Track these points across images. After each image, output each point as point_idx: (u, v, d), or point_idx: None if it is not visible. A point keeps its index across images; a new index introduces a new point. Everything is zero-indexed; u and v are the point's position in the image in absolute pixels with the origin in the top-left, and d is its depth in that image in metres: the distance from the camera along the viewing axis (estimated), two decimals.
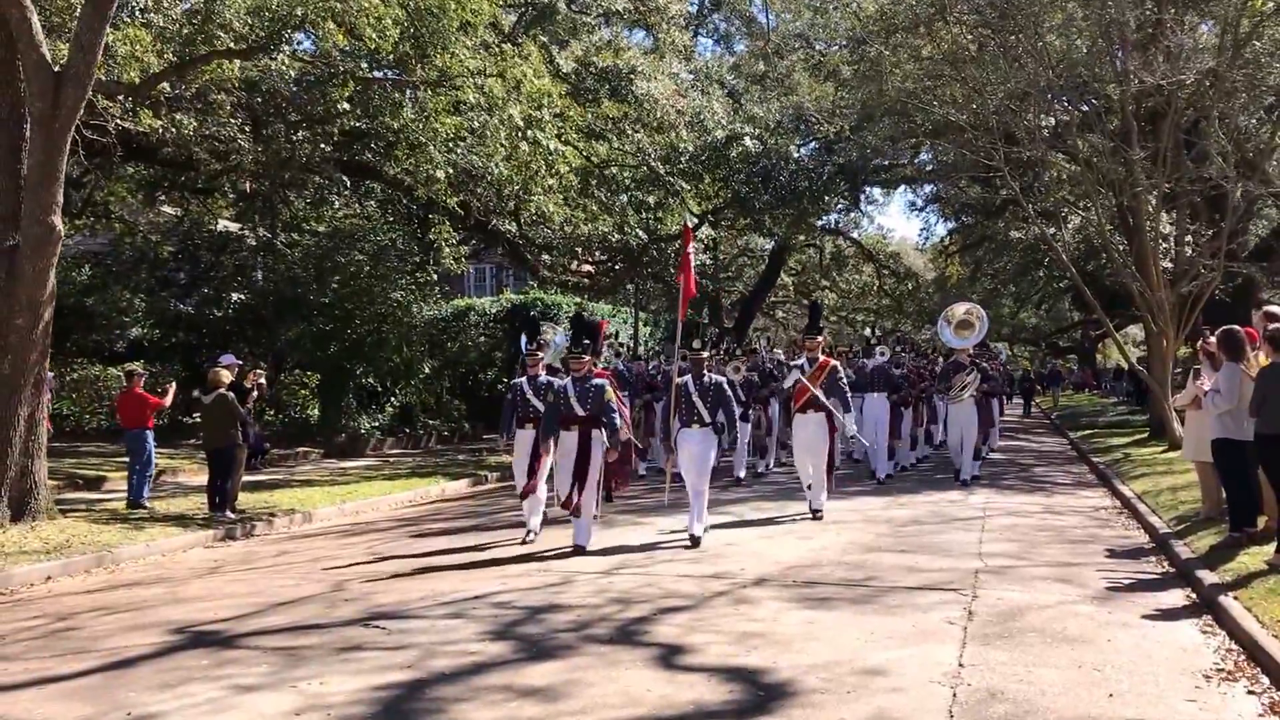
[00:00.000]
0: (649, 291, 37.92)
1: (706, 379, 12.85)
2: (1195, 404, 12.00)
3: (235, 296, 28.57)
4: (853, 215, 43.74)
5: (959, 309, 19.97)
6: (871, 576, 10.15)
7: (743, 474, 18.94)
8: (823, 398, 14.14)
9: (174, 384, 18.07)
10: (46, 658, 7.79)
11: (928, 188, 41.60)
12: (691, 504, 12.45)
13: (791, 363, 16.78)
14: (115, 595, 10.19)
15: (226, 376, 15.53)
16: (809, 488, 14.42)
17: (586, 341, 12.96)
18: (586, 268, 34.09)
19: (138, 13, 17.87)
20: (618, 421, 12.00)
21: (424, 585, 10.13)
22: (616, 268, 33.47)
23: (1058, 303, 51.28)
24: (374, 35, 17.47)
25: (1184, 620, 8.41)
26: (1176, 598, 9.25)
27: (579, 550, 11.74)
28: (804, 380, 14.29)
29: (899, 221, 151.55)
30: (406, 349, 28.01)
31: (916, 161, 36.69)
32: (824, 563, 10.98)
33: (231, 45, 17.67)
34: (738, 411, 16.64)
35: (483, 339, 32.36)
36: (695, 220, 34.05)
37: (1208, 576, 9.42)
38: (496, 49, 20.70)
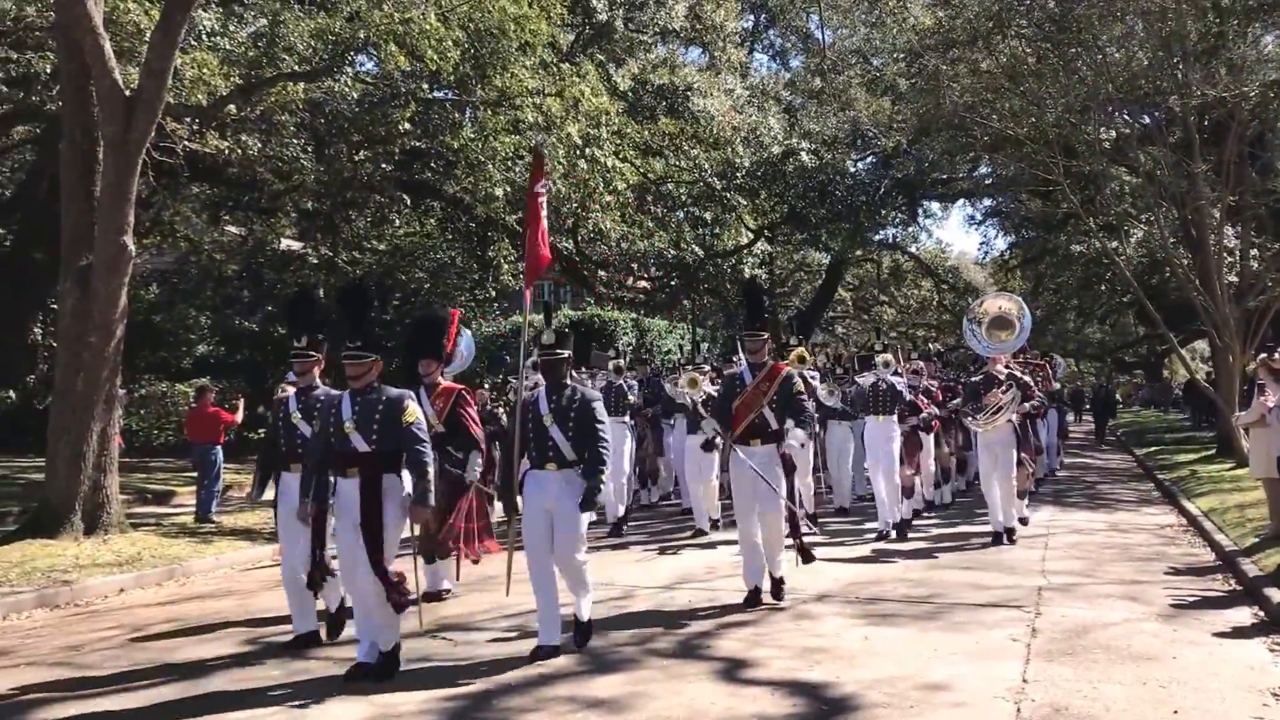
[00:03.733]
0: (706, 307, 37.94)
1: (571, 394, 8.25)
2: (1261, 421, 11.88)
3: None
4: (911, 229, 43.47)
5: (991, 304, 14.50)
6: (935, 593, 10.13)
7: (622, 511, 14.92)
8: (773, 420, 9.70)
9: (243, 400, 18.33)
10: (123, 668, 7.95)
11: (987, 201, 41.25)
12: (545, 602, 8.05)
13: (726, 369, 12.82)
14: (187, 607, 10.37)
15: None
16: (756, 549, 9.81)
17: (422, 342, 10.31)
18: (643, 284, 34.20)
19: (205, 37, 18.21)
20: (427, 460, 7.58)
21: (489, 598, 10.22)
22: (673, 283, 33.54)
23: (1122, 318, 50.73)
24: (435, 57, 17.72)
25: (1251, 638, 8.33)
26: (1244, 615, 9.15)
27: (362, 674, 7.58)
28: (744, 396, 9.78)
29: (958, 236, 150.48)
30: (480, 366, 28.19)
31: (975, 175, 36.44)
32: (886, 579, 10.97)
33: (295, 68, 17.99)
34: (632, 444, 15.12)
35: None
36: (751, 235, 34.08)
37: (1275, 594, 9.32)
38: (555, 68, 20.89)
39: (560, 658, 7.84)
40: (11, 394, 23.78)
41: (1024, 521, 14.35)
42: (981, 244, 56.80)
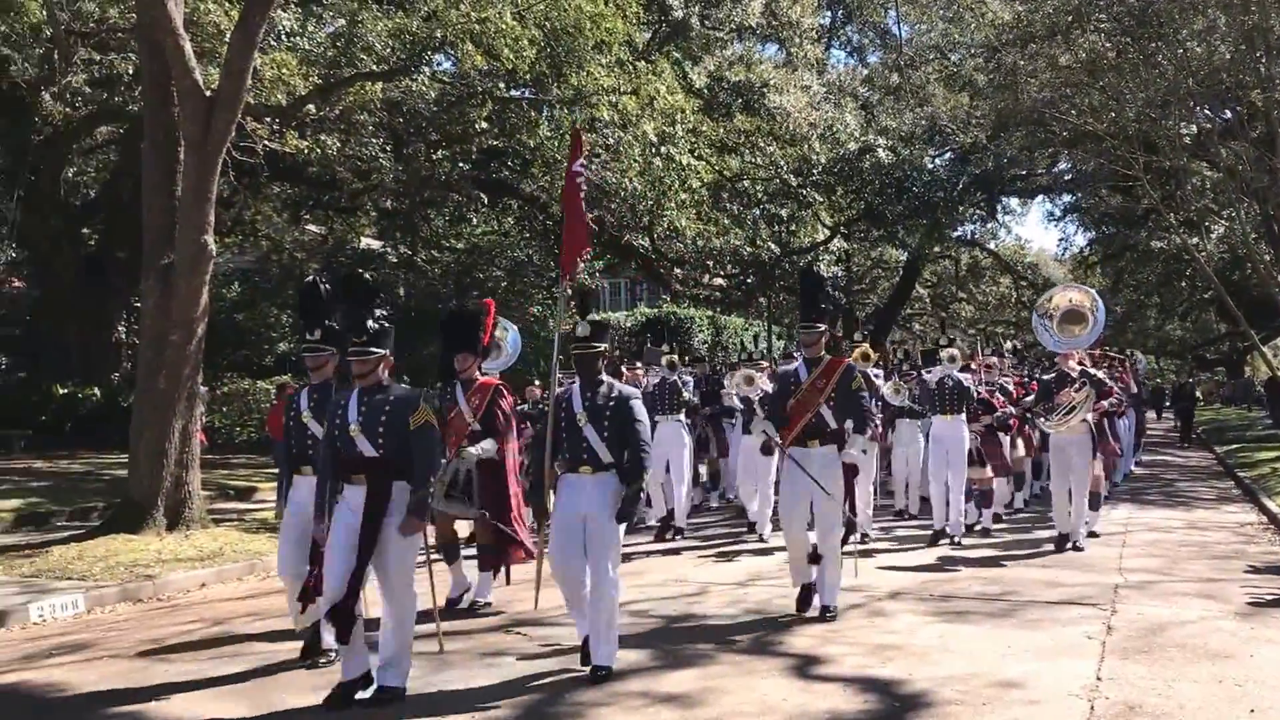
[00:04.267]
0: (782, 304, 37.83)
1: (608, 391, 7.59)
2: None
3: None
4: (989, 226, 43.03)
5: (1061, 297, 13.38)
6: (1009, 591, 10.05)
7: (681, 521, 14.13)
8: (832, 420, 9.04)
9: None
10: (204, 660, 8.09)
11: (1066, 197, 40.70)
12: (595, 607, 7.40)
13: (781, 366, 11.65)
14: (266, 601, 10.48)
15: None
16: (811, 560, 9.03)
17: (462, 334, 9.86)
18: (719, 281, 34.17)
19: (284, 37, 18.46)
20: (430, 469, 7.04)
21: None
22: (749, 281, 33.48)
23: (1203, 314, 49.94)
24: (511, 55, 17.83)
25: None
26: None
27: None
28: (799, 394, 9.05)
29: (1037, 232, 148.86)
30: (544, 363, 28.36)
31: (1054, 171, 36.05)
32: (961, 577, 10.89)
33: (373, 67, 18.19)
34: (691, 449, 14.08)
35: (618, 352, 32.64)
36: (827, 232, 33.90)
37: None
38: (630, 66, 20.93)
39: (633, 653, 7.84)
40: (97, 391, 24.25)
41: (1093, 535, 13.10)
42: (1061, 240, 56.04)
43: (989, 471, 13.85)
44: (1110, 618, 8.79)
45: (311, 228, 30.16)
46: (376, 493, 6.82)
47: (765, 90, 26.30)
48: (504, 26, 17.62)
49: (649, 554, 12.62)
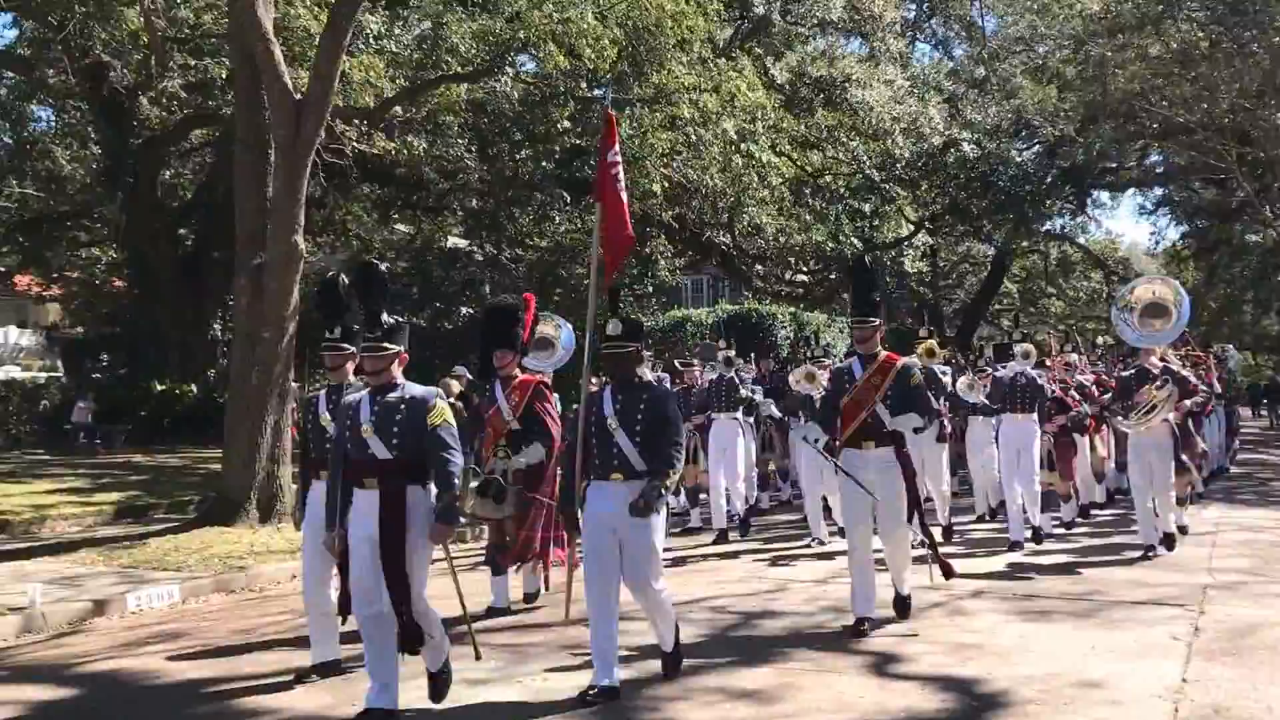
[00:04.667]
0: None
1: (640, 392, 7.11)
2: None
3: (464, 310, 29.63)
4: (1079, 220, 42.42)
5: (1144, 289, 12.46)
6: (1094, 590, 9.92)
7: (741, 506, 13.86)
8: (887, 419, 8.43)
9: None
10: (292, 650, 8.21)
11: (1158, 190, 40.10)
12: (602, 634, 6.96)
13: (833, 361, 10.99)
14: None
15: (456, 387, 16.12)
16: (866, 569, 8.46)
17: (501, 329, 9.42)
18: (801, 277, 34.08)
19: (371, 41, 18.76)
20: (454, 470, 6.47)
21: None
22: (832, 277, 33.36)
23: None
24: (593, 55, 17.98)
25: None
26: None
27: None
28: (853, 392, 8.48)
29: (1128, 226, 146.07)
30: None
31: (1145, 164, 35.46)
32: (1043, 576, 10.75)
33: (459, 69, 18.45)
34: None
35: (696, 348, 32.72)
36: (911, 227, 33.67)
37: None
38: (711, 64, 20.98)
39: (710, 649, 7.90)
40: (193, 388, 24.82)
41: (1183, 530, 12.46)
42: (1152, 234, 55.04)
43: (1059, 476, 13.11)
44: (1198, 618, 8.63)
45: (400, 227, 30.59)
46: (391, 495, 6.45)
47: (847, 85, 26.22)
48: (586, 26, 17.76)
49: (721, 556, 12.49)
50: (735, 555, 12.44)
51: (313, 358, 25.95)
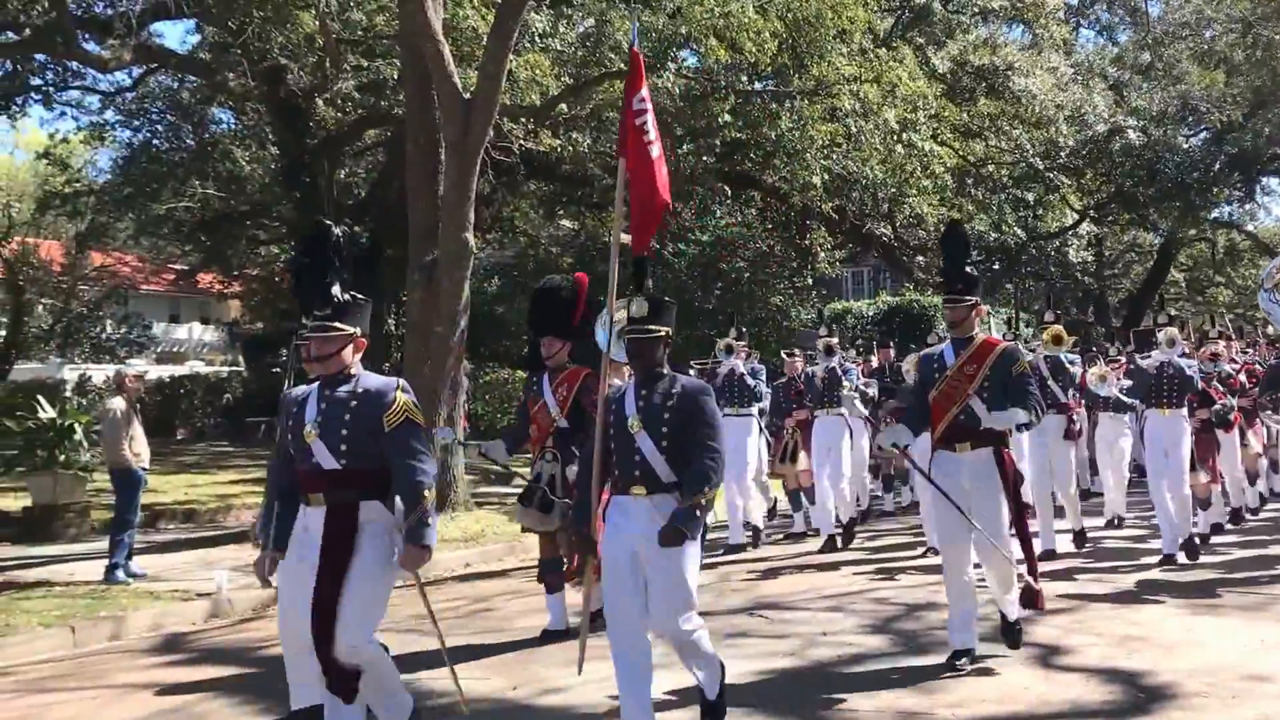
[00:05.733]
0: (1029, 291, 36.97)
1: (669, 387, 5.88)
2: None
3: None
4: (1247, 207, 40.95)
5: None
6: (1264, 584, 9.75)
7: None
8: (984, 414, 7.15)
9: None
10: (467, 634, 8.59)
11: None
12: (629, 684, 5.75)
13: (923, 349, 9.27)
14: (526, 581, 10.80)
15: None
16: (967, 589, 7.30)
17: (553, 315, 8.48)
18: None
19: (537, 39, 19.12)
20: (423, 480, 5.37)
21: (807, 580, 10.49)
22: (995, 267, 32.86)
23: None
24: (754, 49, 18.06)
25: None
26: None
27: None
28: (944, 383, 7.28)
29: None
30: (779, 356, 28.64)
31: None
32: (1210, 568, 10.56)
33: (622, 66, 18.66)
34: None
35: (859, 341, 32.61)
36: (1076, 216, 32.96)
37: None
38: (872, 54, 20.89)
39: (874, 638, 7.99)
40: None
41: None
42: None
43: (1203, 476, 11.58)
44: None
45: (565, 223, 31.07)
46: (338, 516, 5.30)
47: (1010, 73, 25.79)
48: (746, 20, 17.86)
49: (820, 568, 11.44)
50: (836, 567, 11.44)
51: (482, 351, 26.75)
